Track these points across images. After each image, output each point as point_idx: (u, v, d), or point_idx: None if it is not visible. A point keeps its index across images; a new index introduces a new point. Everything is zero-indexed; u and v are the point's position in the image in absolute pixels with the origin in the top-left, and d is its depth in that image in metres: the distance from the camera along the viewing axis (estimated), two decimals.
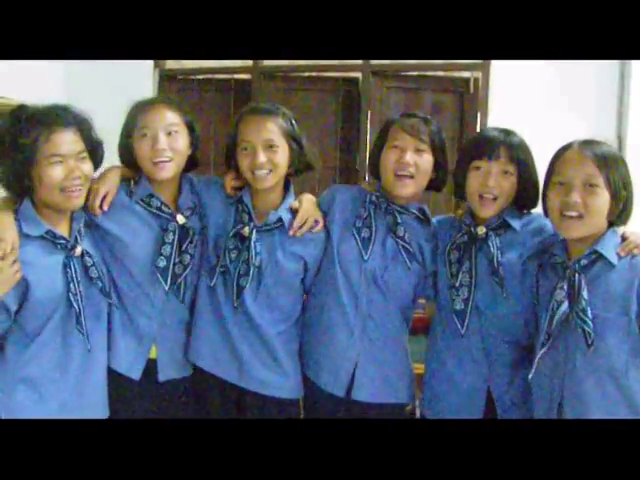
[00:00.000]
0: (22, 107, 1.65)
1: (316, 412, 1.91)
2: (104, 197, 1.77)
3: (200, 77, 3.91)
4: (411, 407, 1.94)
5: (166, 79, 3.92)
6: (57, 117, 1.63)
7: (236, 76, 3.86)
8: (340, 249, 1.87)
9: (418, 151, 1.81)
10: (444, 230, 1.90)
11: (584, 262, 1.57)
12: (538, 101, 3.57)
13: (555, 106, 3.59)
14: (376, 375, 1.87)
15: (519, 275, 1.74)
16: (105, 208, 1.77)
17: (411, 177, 1.81)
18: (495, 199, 1.74)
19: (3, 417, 1.60)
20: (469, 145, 1.84)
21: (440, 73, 3.76)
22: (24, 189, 1.62)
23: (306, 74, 3.82)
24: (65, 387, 1.67)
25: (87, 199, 1.73)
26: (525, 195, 1.77)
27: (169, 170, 1.80)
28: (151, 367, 1.85)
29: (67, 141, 1.61)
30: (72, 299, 1.63)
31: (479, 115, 3.78)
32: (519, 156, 1.74)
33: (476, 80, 3.75)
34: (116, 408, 1.81)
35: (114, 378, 1.81)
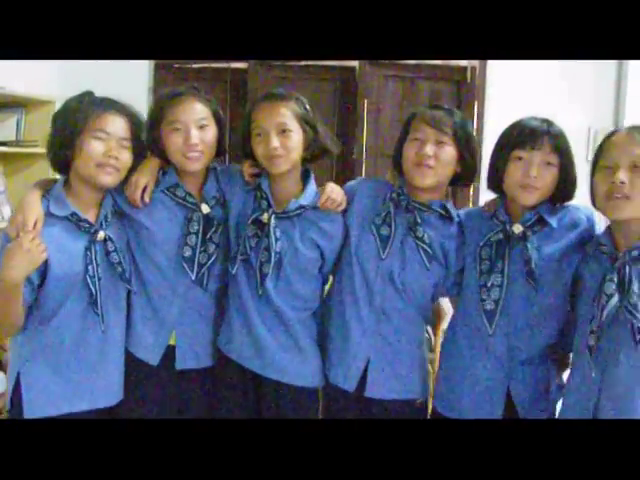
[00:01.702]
0: (89, 93, 1.73)
1: (327, 405, 1.89)
2: (144, 188, 1.79)
3: (196, 66, 3.89)
4: (421, 400, 1.88)
5: (161, 67, 3.90)
6: (114, 104, 1.71)
7: (232, 65, 3.85)
8: (358, 245, 1.84)
9: (439, 143, 1.76)
10: (474, 225, 1.84)
11: (635, 253, 1.50)
12: (535, 90, 3.57)
13: (552, 95, 3.59)
14: (389, 373, 1.84)
15: (554, 272, 1.69)
16: (147, 199, 1.79)
17: (431, 168, 1.76)
18: (536, 189, 1.68)
19: (23, 393, 1.66)
20: (509, 135, 1.74)
21: (437, 62, 3.75)
22: (64, 162, 1.69)
23: (302, 63, 3.80)
24: (80, 368, 1.71)
25: (127, 190, 1.78)
26: (564, 187, 1.71)
27: (201, 163, 1.81)
28: (171, 354, 1.85)
29: (115, 123, 1.68)
30: (89, 281, 1.67)
31: (476, 104, 3.78)
32: (561, 146, 1.68)
33: (473, 69, 3.74)
34: (132, 392, 1.82)
35: (132, 362, 1.83)
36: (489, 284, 1.71)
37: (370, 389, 1.83)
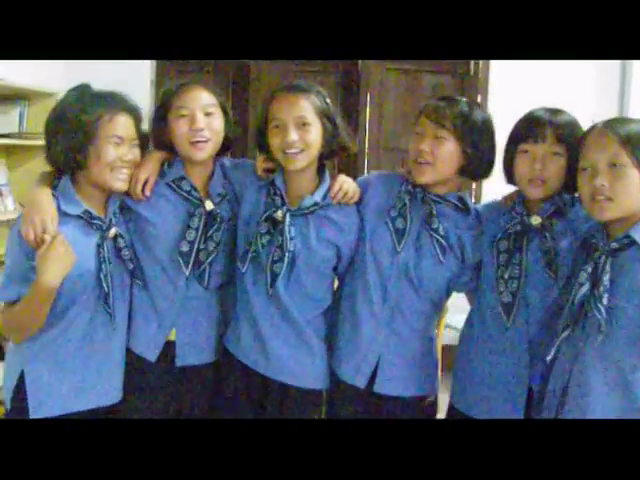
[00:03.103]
0: (86, 86, 1.69)
1: (336, 402, 1.85)
2: (145, 182, 1.76)
3: (198, 61, 3.88)
4: (432, 398, 1.86)
5: (163, 63, 3.89)
6: (120, 101, 1.68)
7: (235, 60, 3.84)
8: (373, 238, 1.78)
9: (437, 138, 1.70)
10: (492, 217, 1.79)
11: (614, 246, 1.48)
12: (539, 83, 3.56)
13: (556, 89, 3.58)
14: (401, 369, 1.80)
15: (570, 263, 1.64)
16: (147, 193, 1.76)
17: (428, 164, 1.71)
18: (544, 182, 1.64)
19: (28, 390, 1.64)
20: (516, 127, 1.70)
21: None
22: (75, 165, 1.65)
23: None
24: (86, 366, 1.69)
25: (129, 184, 1.75)
26: (575, 177, 1.63)
27: (207, 150, 1.76)
28: (171, 351, 1.82)
29: (126, 125, 1.66)
30: (102, 279, 1.66)
31: (479, 97, 3.76)
32: (568, 135, 1.62)
33: (476, 62, 3.73)
34: (131, 389, 1.80)
35: (132, 358, 1.80)
36: (506, 276, 1.67)
37: (380, 385, 1.79)
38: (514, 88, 3.58)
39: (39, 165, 3.69)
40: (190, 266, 1.77)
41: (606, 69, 3.68)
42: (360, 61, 3.74)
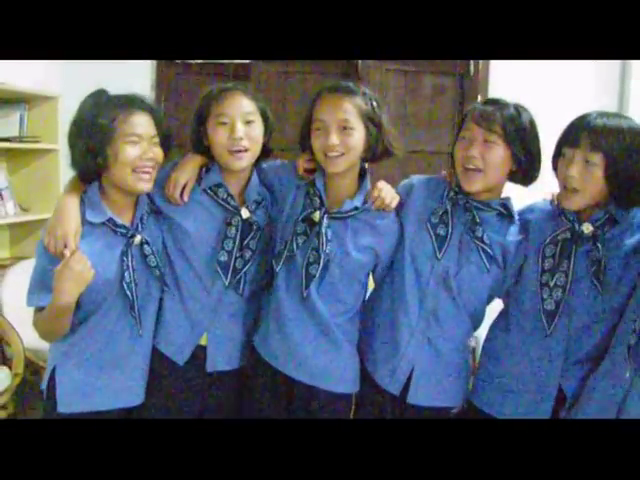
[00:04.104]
0: (102, 91, 1.69)
1: (367, 404, 1.82)
2: (184, 186, 1.75)
3: (198, 61, 3.88)
4: (458, 409, 1.83)
5: (164, 62, 3.89)
6: (135, 101, 1.67)
7: (235, 60, 3.84)
8: (413, 244, 1.75)
9: (487, 142, 1.65)
10: (538, 222, 1.74)
11: None
12: (539, 84, 3.55)
13: (556, 89, 3.57)
14: (433, 380, 1.76)
15: (620, 272, 1.59)
16: (185, 198, 1.74)
17: (479, 171, 1.66)
18: (577, 192, 1.58)
19: (57, 387, 1.68)
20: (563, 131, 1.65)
21: None
22: (97, 168, 1.65)
23: None
24: (110, 367, 1.70)
25: (167, 188, 1.75)
26: (623, 190, 1.56)
27: (246, 160, 1.75)
28: (200, 354, 1.81)
29: (143, 123, 1.65)
30: (126, 288, 1.65)
31: (479, 98, 3.76)
32: (604, 144, 1.53)
33: (476, 63, 3.73)
34: (156, 390, 1.79)
35: (159, 360, 1.80)
36: (552, 284, 1.63)
37: (413, 396, 1.76)
38: (514, 88, 3.57)
39: (39, 168, 3.73)
40: (229, 276, 1.75)
41: (606, 69, 3.68)
42: (360, 62, 3.73)
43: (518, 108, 1.68)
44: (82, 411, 1.68)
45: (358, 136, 1.68)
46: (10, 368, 2.92)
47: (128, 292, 1.66)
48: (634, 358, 1.46)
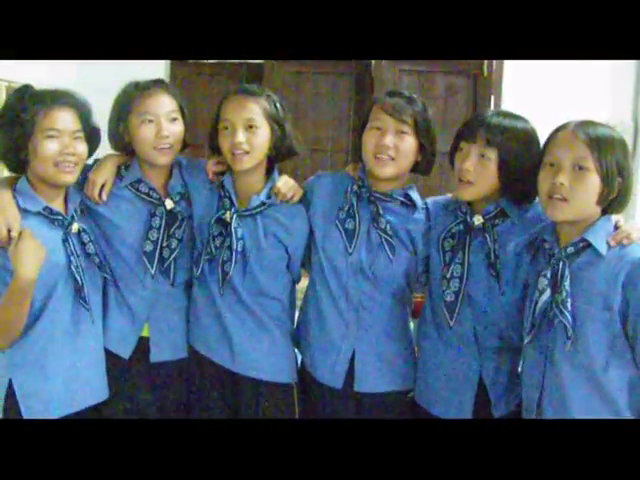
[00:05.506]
0: (27, 86, 1.70)
1: (315, 403, 1.87)
2: (102, 186, 1.80)
3: (211, 61, 3.90)
4: (413, 393, 1.86)
5: (177, 63, 3.92)
6: (57, 96, 1.68)
7: (248, 60, 3.85)
8: (324, 241, 1.82)
9: (399, 133, 1.73)
10: (438, 215, 1.82)
11: (571, 250, 1.48)
12: (552, 83, 3.54)
13: (570, 89, 3.55)
14: (377, 365, 1.81)
15: (514, 266, 1.66)
16: (104, 198, 1.80)
17: (392, 159, 1.74)
18: (470, 184, 1.65)
19: (20, 400, 1.65)
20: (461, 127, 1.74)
21: None
22: (20, 163, 1.67)
23: None
24: (71, 365, 1.70)
25: (86, 188, 1.79)
26: (513, 184, 1.64)
27: (170, 156, 1.82)
28: (145, 347, 1.85)
29: (63, 118, 1.65)
30: (74, 272, 1.67)
31: (493, 98, 3.75)
32: (499, 140, 1.61)
33: (490, 62, 3.71)
34: (110, 387, 1.81)
35: (108, 357, 1.82)
36: (449, 275, 1.69)
37: (359, 383, 1.81)
38: (528, 88, 3.56)
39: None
40: (155, 264, 1.81)
41: (621, 69, 3.65)
42: (373, 63, 3.73)
43: (424, 102, 1.78)
44: (51, 418, 1.65)
45: (263, 135, 1.76)
46: None
47: (77, 277, 1.67)
48: (536, 356, 1.53)
